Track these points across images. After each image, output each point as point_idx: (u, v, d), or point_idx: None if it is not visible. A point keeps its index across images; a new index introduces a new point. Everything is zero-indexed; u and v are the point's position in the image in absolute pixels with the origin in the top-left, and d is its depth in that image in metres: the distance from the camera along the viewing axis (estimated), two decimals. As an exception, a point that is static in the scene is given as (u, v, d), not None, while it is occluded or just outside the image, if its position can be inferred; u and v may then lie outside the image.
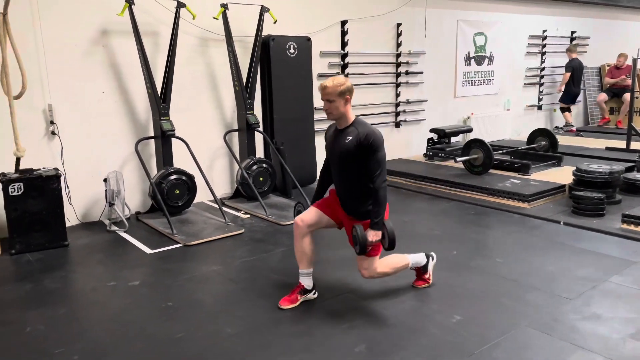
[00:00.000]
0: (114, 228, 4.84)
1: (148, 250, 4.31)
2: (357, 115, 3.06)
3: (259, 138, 5.92)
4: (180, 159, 5.26)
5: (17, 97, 4.25)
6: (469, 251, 4.16)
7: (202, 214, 5.25)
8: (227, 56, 5.53)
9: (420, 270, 3.47)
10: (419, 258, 3.44)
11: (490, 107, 9.05)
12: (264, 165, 5.72)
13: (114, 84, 5.12)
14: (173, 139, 5.18)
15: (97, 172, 4.98)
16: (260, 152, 6.08)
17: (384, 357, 2.65)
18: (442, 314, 3.09)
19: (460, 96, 8.56)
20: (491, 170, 6.30)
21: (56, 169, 4.49)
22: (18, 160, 4.27)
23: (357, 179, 3.02)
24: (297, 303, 3.23)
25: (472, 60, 8.64)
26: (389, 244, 2.98)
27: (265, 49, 5.92)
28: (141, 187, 5.40)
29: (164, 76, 5.11)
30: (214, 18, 5.36)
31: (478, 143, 6.36)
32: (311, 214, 3.19)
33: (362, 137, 2.93)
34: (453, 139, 7.73)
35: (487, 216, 5.12)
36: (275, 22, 5.70)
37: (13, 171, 4.27)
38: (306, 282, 3.26)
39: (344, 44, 6.89)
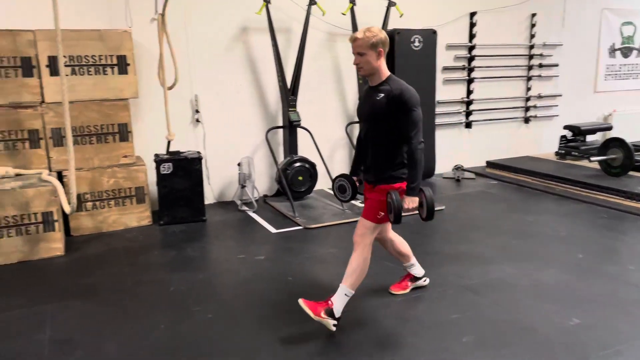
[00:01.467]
0: (245, 208, 5.32)
1: (273, 230, 4.68)
2: (391, 73, 2.82)
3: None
4: (305, 148, 5.60)
5: (170, 88, 4.87)
6: (597, 256, 3.91)
7: (322, 200, 5.54)
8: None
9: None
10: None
11: (636, 104, 8.19)
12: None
13: (250, 77, 5.60)
14: (299, 129, 5.53)
15: (232, 157, 5.49)
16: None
17: (491, 349, 2.66)
18: (559, 315, 2.99)
19: (601, 91, 7.88)
20: (631, 172, 5.76)
21: (199, 152, 5.05)
22: (169, 143, 4.90)
23: (387, 140, 2.77)
24: (408, 290, 3.32)
25: (618, 52, 7.89)
26: (427, 214, 2.71)
27: (390, 42, 6.00)
28: (269, 172, 5.85)
29: (294, 70, 5.46)
30: (342, 14, 5.59)
31: (618, 142, 5.85)
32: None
33: (395, 93, 2.69)
34: (589, 137, 7.16)
35: (622, 221, 4.73)
36: (401, 16, 5.77)
37: (164, 152, 4.90)
38: (414, 271, 3.32)
39: (472, 36, 6.73)
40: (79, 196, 4.42)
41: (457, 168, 6.77)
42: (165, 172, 4.77)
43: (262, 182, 5.82)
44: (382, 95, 2.72)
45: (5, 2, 4.43)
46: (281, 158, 5.72)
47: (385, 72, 2.80)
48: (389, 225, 3.13)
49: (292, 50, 5.61)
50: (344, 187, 3.15)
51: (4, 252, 3.91)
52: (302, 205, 5.33)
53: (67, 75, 4.31)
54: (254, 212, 5.21)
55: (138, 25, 4.92)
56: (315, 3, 5.38)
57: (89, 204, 4.56)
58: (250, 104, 5.65)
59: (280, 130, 5.74)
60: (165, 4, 4.63)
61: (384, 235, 3.16)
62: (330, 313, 2.79)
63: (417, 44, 6.13)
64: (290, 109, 5.44)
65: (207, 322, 3.01)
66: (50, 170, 4.42)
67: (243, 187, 5.31)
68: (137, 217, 4.77)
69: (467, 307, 3.13)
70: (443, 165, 6.77)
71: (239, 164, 5.33)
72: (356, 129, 6.15)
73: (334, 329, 2.80)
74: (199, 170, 4.91)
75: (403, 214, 2.68)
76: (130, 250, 4.19)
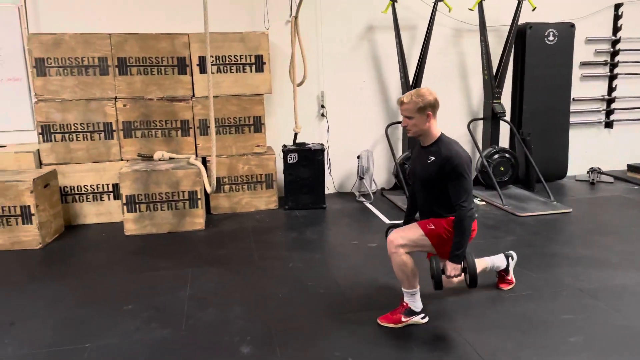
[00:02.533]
0: (362, 199, 5.57)
1: (387, 221, 4.86)
2: (443, 133, 2.76)
3: (504, 128, 5.90)
4: (425, 144, 5.67)
5: (299, 84, 5.28)
6: None
7: (439, 196, 5.58)
8: (479, 46, 5.67)
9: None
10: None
11: None
12: (507, 155, 5.70)
13: (373, 74, 5.82)
14: (419, 125, 5.62)
15: (353, 150, 5.77)
16: (504, 142, 6.06)
17: (598, 351, 2.58)
18: (687, 328, 2.77)
19: None
20: None
21: (322, 144, 5.41)
22: (295, 135, 5.32)
23: (439, 202, 2.77)
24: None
25: None
26: (470, 281, 2.67)
27: (521, 37, 5.83)
28: (388, 166, 6.03)
29: (417, 66, 5.56)
30: (470, 10, 5.55)
31: None
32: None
33: (445, 159, 2.64)
34: None
35: None
36: (533, 10, 5.55)
37: (291, 144, 5.34)
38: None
39: (616, 30, 6.22)
40: (218, 179, 5.03)
41: (593, 170, 6.31)
42: (291, 162, 5.20)
43: (381, 176, 6.02)
44: (433, 158, 2.71)
45: (166, 9, 5.17)
46: (400, 153, 5.86)
47: (436, 134, 2.75)
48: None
49: (416, 47, 5.72)
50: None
51: (157, 223, 4.63)
52: (418, 200, 5.42)
53: (213, 73, 4.94)
54: (370, 203, 5.44)
55: (274, 27, 5.41)
56: (441, 0, 5.42)
57: (227, 187, 5.16)
58: (372, 100, 5.88)
59: (400, 126, 5.88)
60: (298, 7, 5.04)
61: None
62: (410, 312, 2.89)
63: (551, 38, 5.85)
64: (411, 105, 5.55)
65: (318, 296, 3.31)
66: (197, 156, 5.08)
67: (361, 179, 5.57)
68: (266, 200, 5.27)
69: (580, 309, 3.03)
70: (577, 166, 6.37)
71: (358, 157, 5.59)
72: (480, 127, 6.06)
73: (424, 320, 2.91)
74: (322, 161, 5.26)
75: (445, 280, 2.74)
76: (258, 230, 4.68)
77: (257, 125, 5.18)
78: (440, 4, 5.45)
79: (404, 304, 2.91)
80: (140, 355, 2.68)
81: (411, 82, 5.57)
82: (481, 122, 6.02)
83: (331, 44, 5.65)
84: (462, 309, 3.09)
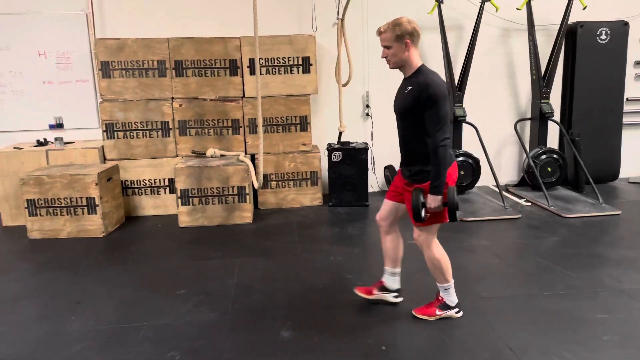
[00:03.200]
0: (405, 198, 5.66)
1: (429, 219, 4.94)
2: (424, 65, 2.67)
3: (552, 128, 5.82)
4: (471, 143, 5.69)
5: (345, 85, 5.44)
6: None
7: (483, 196, 5.59)
8: (527, 45, 5.62)
9: (440, 303, 2.97)
10: (453, 296, 2.98)
11: None
12: (554, 156, 5.62)
13: (419, 74, 5.89)
14: (464, 124, 5.65)
15: (397, 149, 5.84)
16: (552, 143, 5.97)
17: (632, 349, 2.59)
18: None
19: None
20: None
21: (366, 143, 5.54)
22: (340, 134, 5.48)
23: (414, 134, 2.66)
24: (371, 297, 3.14)
25: None
26: (449, 214, 2.61)
27: (571, 36, 5.73)
28: (432, 165, 6.07)
29: (463, 66, 5.59)
30: (517, 9, 5.52)
31: None
32: (384, 207, 3.00)
33: (421, 86, 2.56)
34: None
35: None
36: (584, 9, 5.46)
37: (336, 142, 5.51)
38: (387, 280, 3.14)
39: (675, 26, 5.99)
40: (265, 176, 5.28)
41: (647, 173, 6.11)
42: (335, 160, 5.37)
43: (425, 175, 6.07)
44: (410, 87, 2.64)
45: (220, 15, 5.46)
46: (445, 152, 5.90)
47: (416, 64, 2.67)
48: (394, 216, 3.00)
49: (462, 47, 5.74)
50: (388, 179, 3.02)
51: (208, 216, 4.92)
52: (461, 199, 5.46)
53: (262, 74, 5.18)
54: (414, 201, 5.51)
55: (322, 29, 5.59)
56: (488, 0, 5.43)
57: (274, 183, 5.39)
58: (418, 99, 5.94)
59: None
60: (345, 10, 5.20)
61: (391, 222, 3.02)
62: (445, 306, 2.96)
63: (603, 37, 5.72)
64: (456, 105, 5.59)
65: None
66: (246, 153, 5.35)
67: (405, 177, 5.65)
68: (311, 197, 5.47)
69: (617, 309, 3.03)
70: (630, 168, 6.19)
71: (403, 156, 5.67)
72: (527, 126, 6.01)
73: (459, 315, 2.98)
74: (365, 159, 5.39)
75: (426, 213, 2.64)
76: (302, 224, 4.87)
77: (303, 124, 5.38)
78: (487, 4, 5.46)
79: (440, 298, 3.00)
80: (189, 334, 2.92)
81: (457, 82, 5.61)
82: (529, 122, 5.96)
83: (377, 44, 5.73)
84: (497, 305, 3.16)
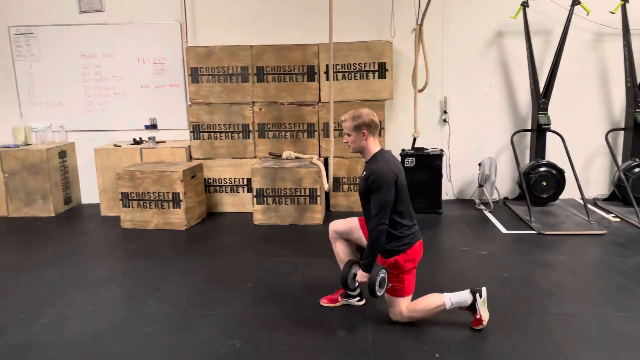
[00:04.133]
0: (481, 207, 5.50)
1: (504, 230, 4.77)
2: (382, 149, 2.94)
3: (649, 139, 5.37)
4: (556, 153, 5.42)
5: (421, 90, 5.41)
6: None
7: (566, 209, 5.28)
8: (622, 51, 5.25)
9: (467, 310, 2.94)
10: (461, 297, 2.93)
11: None
12: (650, 169, 5.19)
13: (501, 79, 5.71)
14: (548, 133, 5.38)
15: (475, 156, 5.71)
16: (650, 155, 5.50)
17: None
18: None
19: None
20: None
21: (441, 150, 5.46)
22: (414, 139, 5.45)
23: (368, 215, 2.88)
24: (337, 304, 3.29)
25: None
26: (369, 289, 2.81)
27: (675, 40, 5.26)
28: (513, 175, 5.85)
29: (549, 72, 5.34)
30: (611, 12, 5.17)
31: None
32: (347, 222, 3.21)
33: (368, 173, 2.82)
34: None
35: None
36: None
37: (410, 148, 5.48)
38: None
39: None
40: (337, 179, 5.39)
41: None
42: (408, 165, 5.34)
43: (504, 185, 5.86)
44: (365, 173, 2.88)
45: (301, 22, 5.65)
46: (527, 162, 5.66)
47: (372, 151, 2.92)
48: (346, 235, 3.21)
49: (549, 52, 5.48)
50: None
51: (281, 216, 5.12)
52: (542, 212, 5.21)
53: (338, 79, 5.31)
54: (489, 212, 5.35)
55: (400, 35, 5.60)
56: (579, 3, 5.14)
57: (345, 187, 5.48)
58: (498, 106, 5.76)
59: (529, 134, 5.68)
60: (423, 16, 5.18)
61: (342, 237, 3.24)
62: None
63: None
64: (540, 112, 5.35)
65: (417, 294, 3.43)
66: (320, 156, 5.49)
67: (481, 186, 5.50)
68: (382, 202, 5.49)
69: None
70: None
71: (479, 164, 5.53)
72: (620, 137, 5.60)
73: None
74: (439, 166, 5.32)
75: (357, 284, 2.97)
76: (371, 229, 4.91)
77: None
78: (577, 7, 5.17)
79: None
80: (251, 325, 3.09)
81: (542, 89, 5.36)
82: (622, 132, 5.55)
83: (457, 50, 5.67)
84: (565, 323, 3.01)
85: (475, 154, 5.72)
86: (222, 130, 5.54)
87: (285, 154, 5.41)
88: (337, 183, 5.43)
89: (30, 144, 5.80)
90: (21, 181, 5.58)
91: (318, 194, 5.06)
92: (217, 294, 3.55)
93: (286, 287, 3.62)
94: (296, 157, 5.42)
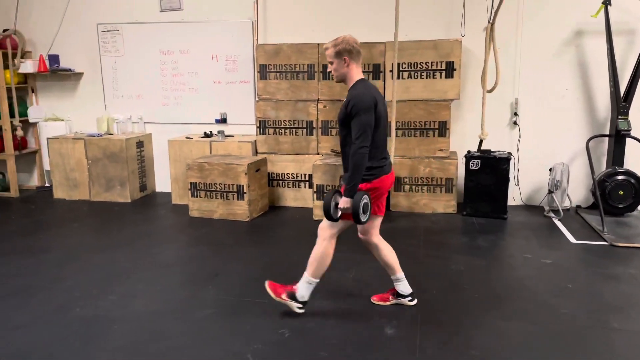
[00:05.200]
0: (551, 215, 5.24)
1: (572, 240, 4.53)
2: (364, 79, 2.94)
3: None
4: (635, 161, 5.08)
5: (490, 91, 5.24)
6: None
7: (645, 221, 4.93)
8: None
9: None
10: (308, 292, 3.11)
11: None
12: None
13: (578, 81, 5.40)
14: (628, 139, 5.04)
15: (546, 161, 5.45)
16: None
17: None
18: None
19: None
20: None
21: (510, 153, 5.26)
22: (481, 141, 5.30)
23: (348, 143, 2.88)
24: (389, 303, 3.27)
25: None
26: (353, 217, 2.82)
27: None
28: (586, 182, 5.53)
29: (631, 75, 5.00)
30: None
31: None
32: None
33: (349, 98, 2.83)
34: None
35: None
36: None
37: (476, 150, 5.34)
38: (399, 287, 3.23)
39: None
40: (399, 179, 5.35)
41: None
42: (473, 168, 5.21)
43: (578, 192, 5.55)
44: (345, 99, 2.88)
45: (369, 20, 5.65)
46: (603, 169, 5.33)
47: (354, 78, 2.92)
48: (375, 229, 3.16)
49: (632, 53, 5.13)
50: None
51: (340, 212, 5.17)
52: (617, 222, 4.90)
53: (404, 78, 5.27)
54: (559, 219, 5.10)
55: (470, 33, 5.46)
56: (670, -1, 4.77)
57: (407, 187, 5.43)
58: (574, 109, 5.46)
59: (606, 140, 5.34)
60: (496, 14, 5.02)
61: (368, 237, 3.18)
62: (292, 296, 3.11)
63: None
64: (620, 117, 5.02)
65: (471, 299, 3.38)
66: (382, 155, 5.48)
67: (550, 192, 5.25)
68: (444, 204, 5.39)
69: None
70: None
71: (550, 170, 5.28)
72: None
73: (298, 311, 3.11)
74: (506, 170, 5.13)
75: (339, 213, 2.90)
76: (430, 230, 4.85)
77: (442, 129, 5.32)
78: (668, 4, 4.80)
79: (294, 287, 3.15)
80: (302, 316, 3.16)
81: (622, 93, 5.03)
82: None
83: (531, 49, 5.44)
84: (628, 339, 2.83)
85: (547, 158, 5.46)
86: (287, 126, 5.67)
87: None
88: (398, 183, 5.39)
89: (112, 134, 6.24)
90: (102, 168, 6.03)
91: (378, 192, 5.05)
92: (272, 284, 3.66)
93: (339, 282, 3.66)
94: (358, 155, 5.43)
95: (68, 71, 6.40)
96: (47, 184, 6.68)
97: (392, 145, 4.82)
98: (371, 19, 5.65)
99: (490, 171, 5.18)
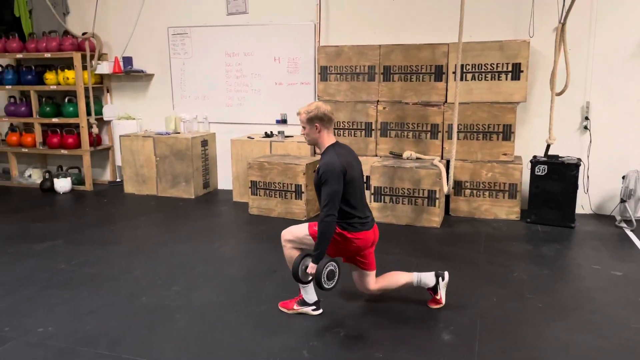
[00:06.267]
0: (623, 225, 4.95)
1: (647, 252, 4.27)
2: (337, 142, 3.02)
3: None
4: None
5: (559, 93, 5.02)
6: None
7: None
8: None
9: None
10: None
11: None
12: None
13: (657, 84, 5.08)
14: None
15: (619, 168, 5.15)
16: None
17: None
18: None
19: None
20: None
21: (579, 159, 5.02)
22: (548, 146, 5.08)
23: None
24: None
25: None
26: (315, 283, 2.87)
27: None
28: (664, 192, 5.17)
29: None
30: None
31: None
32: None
33: (320, 167, 2.90)
34: None
35: None
36: None
37: (542, 155, 5.13)
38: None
39: None
40: (460, 183, 5.24)
41: None
42: (539, 174, 5.01)
43: (654, 202, 5.21)
44: (318, 166, 2.95)
45: (432, 21, 5.57)
46: (683, 178, 4.97)
47: (325, 144, 3.00)
48: (369, 284, 3.19)
49: None
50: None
51: (397, 215, 5.12)
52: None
53: (467, 80, 5.16)
54: (631, 230, 4.81)
55: (539, 34, 5.25)
56: None
57: (467, 191, 5.31)
58: (654, 114, 5.13)
59: (688, 147, 4.98)
60: (567, 14, 4.81)
61: (369, 292, 3.24)
62: (302, 302, 3.19)
63: None
64: None
65: (533, 308, 3.26)
66: (442, 158, 5.38)
67: (623, 201, 4.95)
68: (507, 210, 5.22)
69: None
70: None
71: (623, 177, 4.98)
72: None
73: (314, 313, 3.17)
74: (575, 176, 4.90)
75: (309, 277, 2.94)
76: (491, 237, 4.71)
77: (507, 133, 5.15)
78: None
79: (300, 295, 3.20)
80: (358, 316, 3.18)
81: None
82: None
83: (604, 51, 5.16)
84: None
85: (619, 165, 5.16)
86: (346, 127, 5.69)
87: (405, 154, 5.39)
88: (458, 187, 5.28)
89: (178, 132, 6.51)
90: (169, 165, 6.30)
91: (437, 196, 4.97)
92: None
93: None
94: (417, 158, 5.37)
95: (140, 72, 6.74)
96: (118, 179, 7.07)
97: (453, 148, 4.72)
98: (434, 19, 5.57)
99: (557, 177, 4.96)
